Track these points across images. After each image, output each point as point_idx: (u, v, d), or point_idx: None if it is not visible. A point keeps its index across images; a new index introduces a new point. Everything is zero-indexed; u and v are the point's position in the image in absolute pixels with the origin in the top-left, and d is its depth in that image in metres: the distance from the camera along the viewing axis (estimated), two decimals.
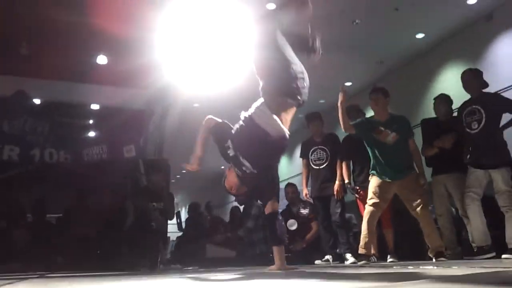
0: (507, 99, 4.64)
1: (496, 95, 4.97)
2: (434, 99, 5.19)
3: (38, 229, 6.02)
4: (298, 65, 3.02)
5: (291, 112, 3.09)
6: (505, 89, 6.36)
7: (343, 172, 5.32)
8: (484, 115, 4.45)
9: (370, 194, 4.56)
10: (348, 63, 8.48)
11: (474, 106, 4.54)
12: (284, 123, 3.02)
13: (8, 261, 5.03)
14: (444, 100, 5.10)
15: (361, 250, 4.49)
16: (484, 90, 4.67)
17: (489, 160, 4.39)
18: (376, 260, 4.86)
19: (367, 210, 4.53)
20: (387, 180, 4.50)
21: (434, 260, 4.38)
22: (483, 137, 4.43)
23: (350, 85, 9.53)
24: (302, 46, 3.17)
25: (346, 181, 5.30)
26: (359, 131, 4.72)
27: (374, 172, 4.61)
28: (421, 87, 8.10)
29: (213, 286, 2.33)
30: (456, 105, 4.95)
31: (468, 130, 4.55)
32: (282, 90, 2.99)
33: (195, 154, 3.24)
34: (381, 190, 4.50)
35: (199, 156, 3.23)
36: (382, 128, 4.53)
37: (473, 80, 4.67)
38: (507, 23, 6.61)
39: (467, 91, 4.72)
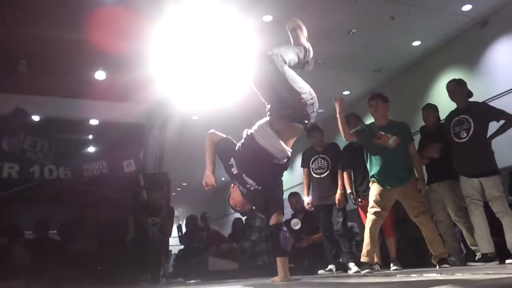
0: (494, 108, 4.72)
1: (483, 104, 5.03)
2: (422, 109, 5.26)
3: (39, 246, 5.99)
4: (308, 93, 3.05)
5: (297, 133, 3.15)
6: (502, 94, 6.38)
7: (345, 181, 5.31)
8: (472, 124, 4.51)
9: (371, 202, 4.55)
10: (345, 73, 8.51)
11: (462, 116, 4.61)
12: (287, 143, 3.06)
13: (9, 279, 5.00)
14: (432, 109, 5.18)
15: (363, 259, 4.47)
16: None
17: (479, 169, 4.43)
18: (379, 268, 4.83)
19: (368, 219, 4.52)
20: (388, 187, 4.50)
21: (437, 267, 4.37)
22: (472, 146, 4.48)
23: (348, 94, 9.56)
24: (297, 64, 3.24)
25: (348, 190, 5.29)
26: (360, 138, 4.75)
27: (374, 179, 4.60)
28: (419, 94, 8.12)
29: None
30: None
31: (456, 139, 4.60)
32: (291, 117, 3.03)
33: (208, 171, 3.29)
34: (382, 198, 4.49)
35: (212, 171, 3.29)
36: (383, 133, 4.57)
37: (459, 89, 4.75)
38: (502, 28, 6.64)
39: (454, 101, 4.79)
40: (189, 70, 7.10)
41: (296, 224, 6.14)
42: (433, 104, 5.27)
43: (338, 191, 5.24)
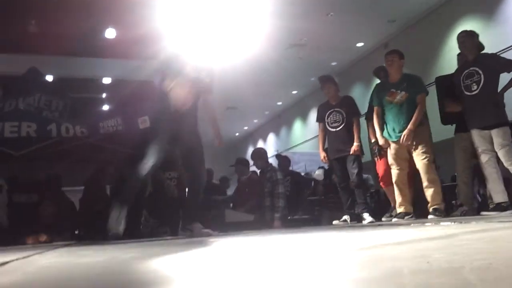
0: (504, 58, 4.67)
1: (493, 56, 4.90)
2: (458, 55, 5.04)
3: (61, 202, 6.17)
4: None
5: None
6: None
7: (370, 132, 5.37)
8: (482, 76, 4.43)
9: (389, 160, 4.84)
10: (359, 24, 8.34)
11: (472, 68, 4.52)
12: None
13: (36, 233, 5.21)
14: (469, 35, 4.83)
15: (397, 209, 4.74)
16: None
17: (489, 121, 4.39)
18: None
19: (392, 174, 4.80)
20: (394, 140, 4.73)
21: (429, 216, 4.52)
22: (482, 98, 4.42)
23: (362, 45, 9.40)
24: None
25: (373, 140, 5.34)
26: (376, 100, 4.99)
27: (385, 135, 4.85)
28: (434, 44, 7.94)
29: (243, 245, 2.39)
30: None
31: (467, 93, 4.53)
32: None
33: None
34: (396, 155, 4.78)
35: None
36: (393, 90, 4.79)
37: (469, 41, 4.63)
38: None
39: (464, 52, 4.70)
40: (198, 24, 7.00)
41: (320, 175, 6.29)
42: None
43: (355, 143, 5.28)
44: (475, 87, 4.46)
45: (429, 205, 4.60)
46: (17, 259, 2.00)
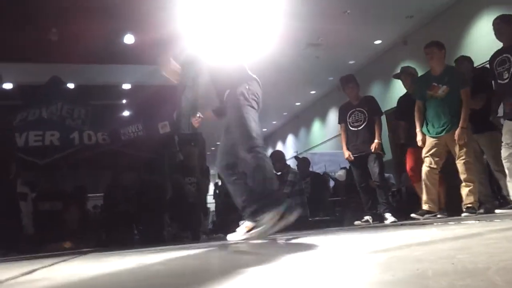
0: None
1: None
2: (455, 61, 5.15)
3: (85, 209, 6.28)
4: None
5: None
6: None
7: (400, 131, 5.41)
8: None
9: (424, 153, 4.72)
10: (376, 21, 8.26)
11: (505, 55, 4.33)
12: None
13: (61, 240, 5.30)
14: (465, 60, 5.06)
15: (423, 206, 4.66)
16: None
17: None
18: (442, 215, 4.87)
19: (422, 170, 4.69)
20: (433, 136, 4.64)
21: (463, 214, 4.45)
22: None
23: (380, 43, 9.30)
24: None
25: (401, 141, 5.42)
26: (417, 93, 4.92)
27: (424, 130, 4.76)
28: (453, 40, 7.81)
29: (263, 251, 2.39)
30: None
31: (499, 81, 4.37)
32: None
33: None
34: (431, 152, 4.66)
35: None
36: (435, 84, 4.68)
37: (504, 27, 4.43)
38: None
39: (499, 39, 4.51)
40: (215, 26, 7.03)
41: (342, 176, 6.28)
42: (464, 56, 5.15)
43: (376, 141, 5.27)
44: (506, 75, 4.28)
45: (463, 203, 4.51)
46: (43, 267, 2.04)
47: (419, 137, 4.79)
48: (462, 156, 4.54)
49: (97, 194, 7.51)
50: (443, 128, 4.62)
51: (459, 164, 4.54)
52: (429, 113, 4.74)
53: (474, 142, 4.80)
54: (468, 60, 5.05)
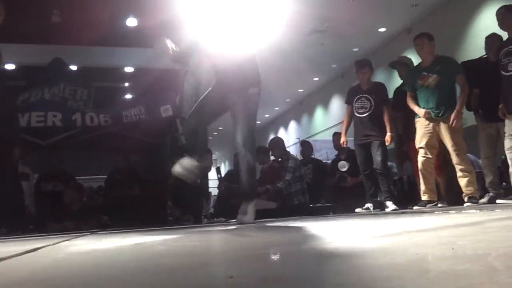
0: None
1: None
2: (486, 38, 4.95)
3: (86, 190, 6.32)
4: None
5: None
6: None
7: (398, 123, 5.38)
8: None
9: (416, 144, 4.73)
10: (381, 9, 8.20)
11: (511, 46, 4.25)
12: None
13: (63, 220, 5.34)
14: (497, 39, 4.77)
15: (422, 197, 4.68)
16: None
17: None
18: (442, 204, 4.88)
19: (418, 160, 4.70)
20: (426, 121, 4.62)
21: (465, 204, 4.44)
22: None
23: (385, 31, 9.24)
24: None
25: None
26: (409, 86, 4.92)
27: (417, 118, 4.74)
28: (458, 29, 7.75)
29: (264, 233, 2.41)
30: None
31: (503, 73, 4.27)
32: None
33: None
34: (426, 140, 4.65)
35: None
36: (425, 73, 4.69)
37: (507, 17, 4.37)
38: None
39: (504, 30, 4.46)
40: (219, 11, 6.98)
41: (343, 166, 6.27)
42: (498, 34, 4.83)
43: (388, 133, 5.21)
44: (511, 67, 4.21)
45: (464, 193, 4.51)
46: (47, 245, 2.06)
47: (421, 112, 4.70)
48: (454, 147, 4.52)
49: (99, 176, 7.53)
50: (436, 112, 4.61)
51: (453, 155, 4.54)
52: (421, 103, 4.73)
53: (490, 128, 4.69)
54: (500, 38, 4.75)
